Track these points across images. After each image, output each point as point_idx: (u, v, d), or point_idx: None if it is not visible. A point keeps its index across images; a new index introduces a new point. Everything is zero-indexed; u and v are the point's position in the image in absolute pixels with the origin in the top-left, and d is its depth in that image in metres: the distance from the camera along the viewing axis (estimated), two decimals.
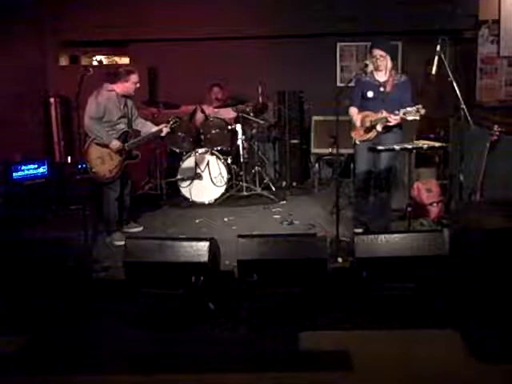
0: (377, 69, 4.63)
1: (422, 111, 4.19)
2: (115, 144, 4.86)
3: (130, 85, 4.95)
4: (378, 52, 4.57)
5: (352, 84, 4.74)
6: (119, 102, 4.95)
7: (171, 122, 5.22)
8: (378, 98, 4.62)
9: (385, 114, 4.45)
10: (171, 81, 7.23)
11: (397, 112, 4.36)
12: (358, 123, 4.67)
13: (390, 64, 4.62)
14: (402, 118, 4.35)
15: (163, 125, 5.21)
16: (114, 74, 4.96)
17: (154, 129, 5.20)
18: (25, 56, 6.78)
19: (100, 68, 7.36)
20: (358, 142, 4.72)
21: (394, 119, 4.39)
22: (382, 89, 4.63)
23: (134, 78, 4.96)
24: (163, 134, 5.29)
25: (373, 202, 4.89)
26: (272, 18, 6.97)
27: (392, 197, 4.98)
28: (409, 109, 4.24)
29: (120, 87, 4.94)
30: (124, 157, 4.95)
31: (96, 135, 4.82)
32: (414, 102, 4.43)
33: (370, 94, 4.64)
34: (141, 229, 5.35)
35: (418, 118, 4.25)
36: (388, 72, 4.63)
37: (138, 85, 5.02)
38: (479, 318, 3.42)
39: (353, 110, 4.75)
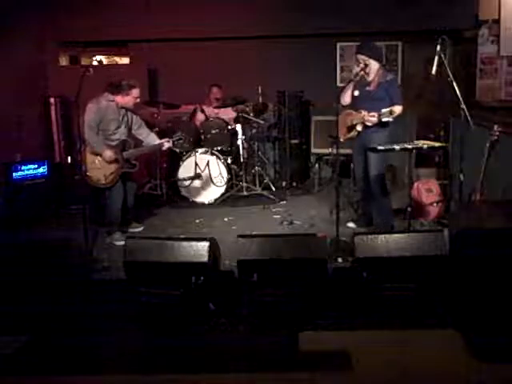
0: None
1: (396, 112, 4.37)
2: (107, 154, 4.86)
3: (130, 99, 4.98)
4: (360, 57, 4.69)
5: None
6: (118, 112, 4.98)
7: (174, 139, 5.30)
8: (363, 96, 4.74)
9: (363, 113, 4.58)
10: (171, 81, 7.23)
11: (372, 113, 4.48)
12: (341, 121, 4.74)
13: (375, 66, 4.69)
14: (378, 119, 4.47)
15: (165, 139, 5.26)
16: (116, 85, 4.96)
17: (156, 142, 5.23)
18: (25, 56, 6.77)
19: (100, 68, 7.36)
20: (341, 140, 4.79)
21: (370, 120, 4.52)
22: (367, 87, 4.74)
23: (136, 92, 4.98)
24: (164, 148, 5.33)
25: (371, 200, 4.92)
26: (272, 18, 6.96)
27: (391, 196, 4.99)
28: (383, 110, 4.39)
29: (120, 100, 4.97)
30: (121, 165, 4.95)
31: (92, 143, 4.85)
32: (398, 101, 4.57)
33: (356, 92, 4.78)
34: (141, 228, 5.36)
35: (391, 119, 4.39)
36: (374, 72, 4.70)
37: (138, 100, 5.05)
38: (479, 318, 3.42)
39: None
